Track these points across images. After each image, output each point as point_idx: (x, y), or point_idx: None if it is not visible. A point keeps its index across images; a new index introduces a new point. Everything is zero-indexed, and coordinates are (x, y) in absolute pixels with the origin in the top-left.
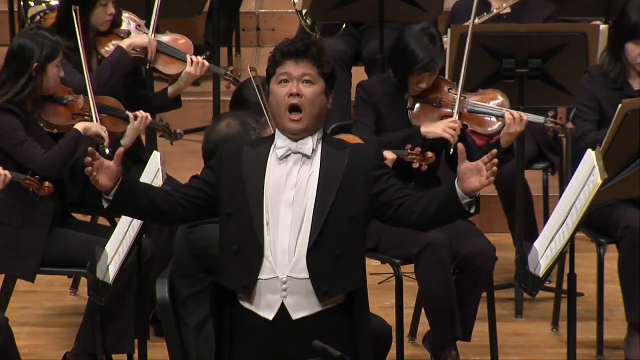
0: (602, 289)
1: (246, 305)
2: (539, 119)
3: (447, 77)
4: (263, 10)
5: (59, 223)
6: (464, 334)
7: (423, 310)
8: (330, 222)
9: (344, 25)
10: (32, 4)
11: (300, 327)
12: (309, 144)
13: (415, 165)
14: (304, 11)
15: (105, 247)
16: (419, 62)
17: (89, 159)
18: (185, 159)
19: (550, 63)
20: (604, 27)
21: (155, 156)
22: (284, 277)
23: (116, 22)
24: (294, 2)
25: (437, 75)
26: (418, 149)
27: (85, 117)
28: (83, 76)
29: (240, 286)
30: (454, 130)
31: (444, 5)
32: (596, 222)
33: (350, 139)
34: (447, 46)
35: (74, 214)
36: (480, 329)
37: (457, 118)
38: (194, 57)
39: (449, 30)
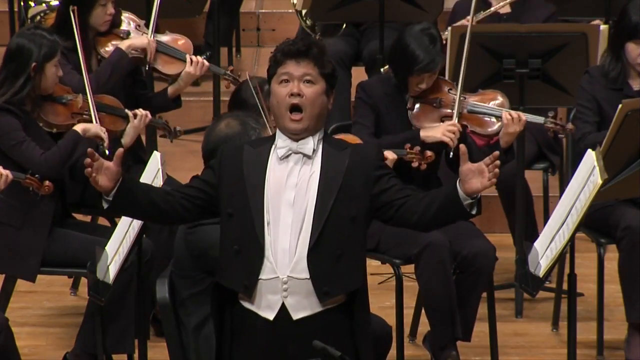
0: (602, 289)
1: (246, 305)
2: (539, 119)
3: (447, 77)
4: (263, 10)
5: (59, 223)
6: (464, 334)
7: (423, 310)
8: (331, 222)
9: (344, 25)
10: (32, 4)
11: (301, 327)
12: (310, 143)
13: (415, 164)
14: (304, 12)
15: (105, 247)
16: (418, 63)
17: (88, 160)
18: (185, 159)
19: (550, 63)
20: (604, 27)
21: (155, 156)
22: (285, 277)
23: (115, 22)
24: (294, 3)
25: (437, 76)
26: (417, 148)
27: (84, 116)
28: (82, 76)
29: (240, 286)
30: (453, 133)
31: (444, 5)
32: (596, 222)
33: (350, 138)
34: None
35: (74, 214)
36: (480, 329)
37: (457, 118)
38: (193, 57)
39: (449, 29)
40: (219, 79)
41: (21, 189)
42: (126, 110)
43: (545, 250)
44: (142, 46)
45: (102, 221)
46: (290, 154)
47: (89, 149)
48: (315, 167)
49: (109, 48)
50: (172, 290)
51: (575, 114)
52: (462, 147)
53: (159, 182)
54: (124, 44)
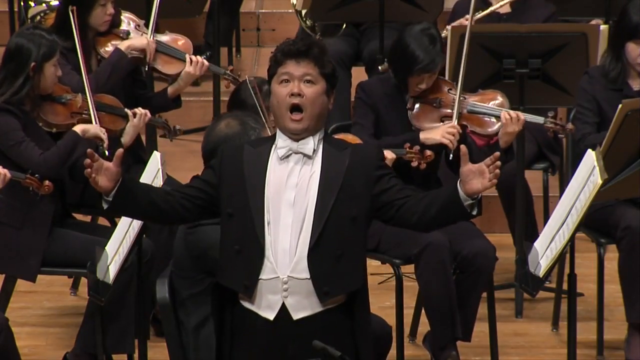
0: (602, 289)
1: (247, 305)
2: (539, 119)
3: (446, 77)
4: (263, 10)
5: (59, 223)
6: (464, 334)
7: (423, 310)
8: (331, 222)
9: (344, 25)
10: (32, 4)
11: (301, 327)
12: (310, 143)
13: (414, 164)
14: (304, 12)
15: (105, 247)
16: (418, 63)
17: (87, 161)
18: (185, 159)
19: (550, 63)
20: (604, 27)
21: (155, 156)
22: (285, 277)
23: (115, 22)
24: (293, 3)
25: (437, 76)
26: (417, 147)
27: (84, 116)
28: (81, 76)
29: (241, 286)
30: (453, 135)
31: (444, 5)
32: (596, 222)
33: (350, 138)
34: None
35: (74, 214)
36: (480, 329)
37: (457, 118)
38: (193, 57)
39: (448, 29)
40: (219, 79)
41: (21, 189)
42: (125, 110)
43: (545, 250)
44: (142, 46)
45: (102, 221)
46: (291, 154)
47: (89, 150)
48: (315, 167)
49: (109, 48)
50: (172, 290)
51: (575, 115)
52: (463, 147)
53: (159, 182)
54: (123, 44)
